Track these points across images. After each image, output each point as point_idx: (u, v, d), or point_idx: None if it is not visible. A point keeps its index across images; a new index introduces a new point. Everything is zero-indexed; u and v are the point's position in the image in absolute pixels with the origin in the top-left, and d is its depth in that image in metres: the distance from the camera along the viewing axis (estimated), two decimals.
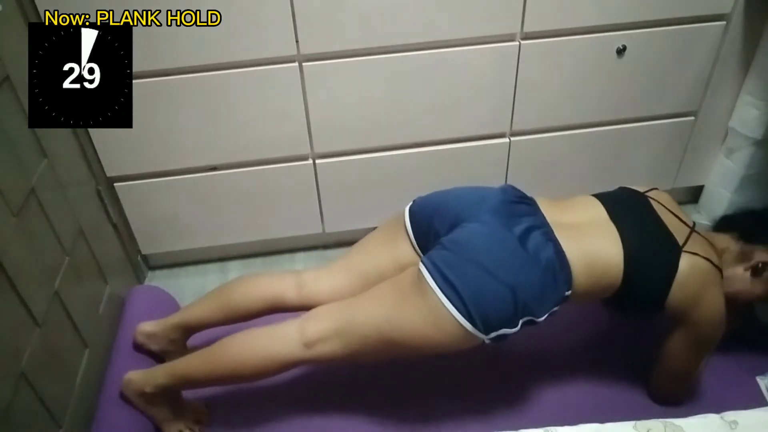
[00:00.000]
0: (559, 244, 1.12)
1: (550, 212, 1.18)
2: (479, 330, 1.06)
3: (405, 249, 1.24)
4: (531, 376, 1.40)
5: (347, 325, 1.14)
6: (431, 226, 1.20)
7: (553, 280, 1.10)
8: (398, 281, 1.15)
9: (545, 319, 1.12)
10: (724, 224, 1.34)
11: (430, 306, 1.07)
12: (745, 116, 1.65)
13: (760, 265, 1.22)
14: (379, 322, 1.11)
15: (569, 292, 1.13)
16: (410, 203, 1.27)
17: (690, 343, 1.21)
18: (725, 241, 1.26)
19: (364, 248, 1.31)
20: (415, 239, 1.22)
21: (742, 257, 1.24)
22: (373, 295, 1.16)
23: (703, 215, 1.83)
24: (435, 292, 1.06)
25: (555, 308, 1.13)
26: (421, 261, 1.12)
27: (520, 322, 1.09)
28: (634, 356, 1.41)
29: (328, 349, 1.14)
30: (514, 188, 1.25)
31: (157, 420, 1.26)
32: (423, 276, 1.08)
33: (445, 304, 1.05)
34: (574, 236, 1.14)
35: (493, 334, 1.07)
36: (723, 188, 1.77)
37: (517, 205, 1.19)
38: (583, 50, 1.51)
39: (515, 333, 1.09)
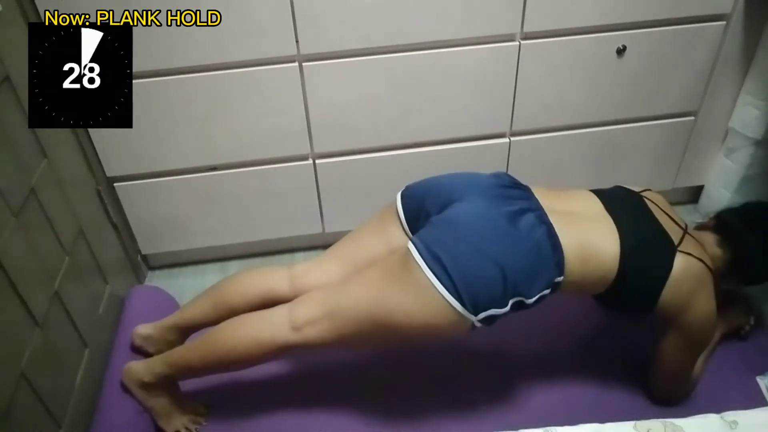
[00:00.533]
0: (553, 228, 1.12)
1: (545, 199, 1.18)
2: (468, 310, 1.05)
3: (396, 234, 1.23)
4: (531, 376, 1.40)
5: (335, 308, 1.13)
6: (422, 207, 1.19)
7: (545, 261, 1.10)
8: (387, 262, 1.14)
9: (535, 302, 1.11)
10: (722, 223, 1.30)
11: (418, 284, 1.06)
12: (745, 116, 1.65)
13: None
14: (366, 303, 1.11)
15: (561, 278, 1.12)
16: (402, 188, 1.27)
17: (683, 344, 1.21)
18: (713, 249, 1.25)
19: (354, 237, 1.30)
20: (407, 222, 1.22)
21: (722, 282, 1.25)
22: (361, 277, 1.16)
23: (703, 215, 1.83)
24: (423, 270, 1.05)
25: (546, 291, 1.11)
26: (410, 239, 1.11)
27: (510, 302, 1.08)
28: (634, 356, 1.41)
29: (316, 332, 1.14)
30: (508, 175, 1.25)
31: (155, 413, 1.26)
32: (411, 254, 1.08)
33: (433, 282, 1.04)
34: (569, 223, 1.14)
35: (481, 315, 1.06)
36: (723, 188, 1.77)
37: (511, 190, 1.18)
38: (583, 50, 1.51)
39: (505, 315, 1.09)
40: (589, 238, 1.14)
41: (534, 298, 1.10)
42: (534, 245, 1.09)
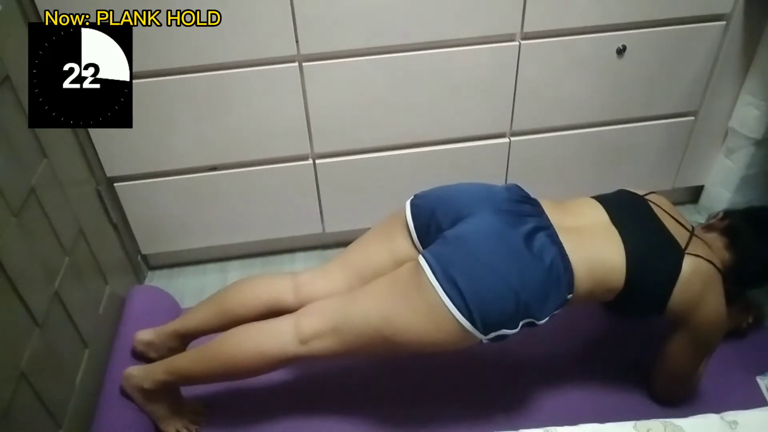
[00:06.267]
0: (564, 248, 1.11)
1: (553, 215, 1.17)
2: (478, 329, 1.05)
3: (403, 244, 1.22)
4: (531, 377, 1.40)
5: (342, 322, 1.13)
6: (433, 217, 1.18)
7: (557, 283, 1.09)
8: (395, 276, 1.13)
9: (546, 322, 1.11)
10: (731, 227, 1.30)
11: (428, 302, 1.05)
12: (745, 116, 1.65)
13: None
14: (374, 318, 1.10)
15: (570, 295, 1.12)
16: (411, 197, 1.26)
17: (691, 345, 1.21)
18: (721, 252, 1.25)
19: (360, 246, 1.29)
20: (416, 232, 1.20)
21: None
22: (369, 290, 1.15)
23: (703, 215, 1.83)
24: (435, 288, 1.04)
25: (556, 311, 1.12)
26: (421, 255, 1.10)
27: (521, 323, 1.08)
28: (634, 356, 1.41)
29: (323, 345, 1.13)
30: (519, 188, 1.23)
31: (155, 416, 1.26)
32: (423, 270, 1.07)
33: (445, 301, 1.04)
34: (576, 240, 1.13)
35: (492, 335, 1.06)
36: (723, 188, 1.77)
37: (522, 205, 1.18)
38: (583, 50, 1.51)
39: (515, 334, 1.09)
40: (597, 254, 1.14)
41: (545, 319, 1.10)
42: (547, 268, 1.08)
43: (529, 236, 1.11)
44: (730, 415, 1.04)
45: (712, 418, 1.05)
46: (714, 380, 1.34)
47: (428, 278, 1.05)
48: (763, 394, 1.35)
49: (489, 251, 1.08)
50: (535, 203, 1.20)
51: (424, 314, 1.06)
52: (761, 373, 1.39)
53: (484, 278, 1.05)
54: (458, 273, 1.04)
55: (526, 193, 1.23)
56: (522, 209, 1.16)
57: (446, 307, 1.04)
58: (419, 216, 1.21)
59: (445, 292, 1.04)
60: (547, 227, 1.14)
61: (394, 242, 1.23)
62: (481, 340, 1.07)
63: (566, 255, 1.11)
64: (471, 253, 1.08)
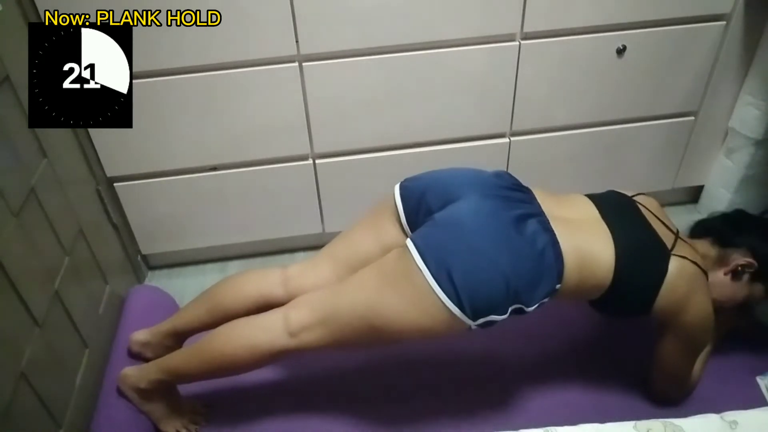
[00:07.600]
0: (555, 236, 1.11)
1: (545, 203, 1.17)
2: (467, 315, 1.03)
3: (390, 232, 1.21)
4: (531, 376, 1.40)
5: (330, 313, 1.12)
6: (423, 200, 1.16)
7: (548, 270, 1.08)
8: (382, 263, 1.12)
9: (535, 309, 1.10)
10: (698, 230, 1.33)
11: (417, 288, 1.04)
12: (745, 116, 1.65)
13: (739, 268, 1.23)
14: (362, 307, 1.09)
15: (559, 285, 1.11)
16: (401, 181, 1.24)
17: (681, 345, 1.21)
18: (704, 247, 1.26)
19: (347, 236, 1.28)
20: (405, 216, 1.19)
21: (720, 262, 1.24)
22: (356, 280, 1.14)
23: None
24: (422, 272, 1.03)
25: (545, 300, 1.11)
26: (409, 238, 1.09)
27: (510, 309, 1.06)
28: (634, 356, 1.41)
29: (312, 337, 1.13)
30: (509, 175, 1.22)
31: (153, 417, 1.26)
32: (410, 255, 1.05)
33: (433, 286, 1.02)
34: (568, 230, 1.13)
35: (480, 320, 1.05)
36: (723, 188, 1.77)
37: (513, 192, 1.17)
38: (583, 50, 1.51)
39: (503, 320, 1.07)
40: (586, 246, 1.13)
41: (534, 306, 1.09)
42: (539, 254, 1.07)
43: (521, 222, 1.09)
44: (730, 415, 1.04)
45: (712, 418, 1.05)
46: (714, 380, 1.34)
47: (416, 262, 1.04)
48: (763, 394, 1.35)
49: (480, 235, 1.06)
50: (526, 190, 1.20)
51: (412, 300, 1.05)
52: (761, 373, 1.39)
53: (474, 262, 1.03)
54: (448, 257, 1.03)
55: (517, 180, 1.22)
56: (513, 195, 1.15)
57: (434, 292, 1.02)
58: (409, 199, 1.19)
59: (434, 276, 1.02)
60: (539, 214, 1.13)
61: (382, 229, 1.22)
62: (469, 327, 1.06)
63: (558, 243, 1.10)
64: (461, 236, 1.06)
